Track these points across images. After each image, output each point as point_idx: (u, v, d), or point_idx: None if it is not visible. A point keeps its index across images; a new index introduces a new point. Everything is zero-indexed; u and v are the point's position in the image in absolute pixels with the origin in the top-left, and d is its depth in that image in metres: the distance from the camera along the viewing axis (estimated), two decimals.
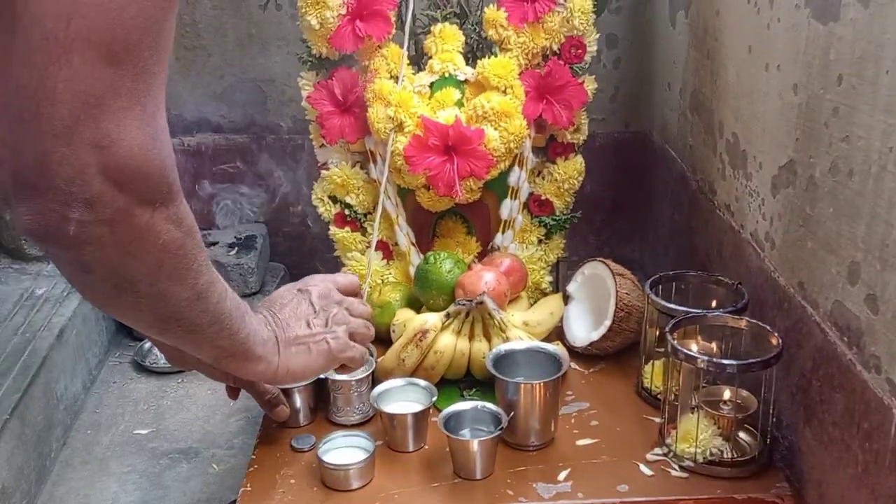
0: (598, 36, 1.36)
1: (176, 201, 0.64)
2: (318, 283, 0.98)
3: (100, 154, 0.56)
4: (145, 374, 1.77)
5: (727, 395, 1.10)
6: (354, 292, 1.02)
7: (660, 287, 1.22)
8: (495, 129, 1.31)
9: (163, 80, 0.60)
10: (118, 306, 0.69)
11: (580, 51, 1.35)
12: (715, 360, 1.04)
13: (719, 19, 1.33)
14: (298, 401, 1.18)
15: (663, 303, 1.17)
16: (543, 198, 1.44)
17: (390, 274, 1.45)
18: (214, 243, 1.92)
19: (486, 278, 1.28)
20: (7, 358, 1.50)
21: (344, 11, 1.31)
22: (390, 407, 1.15)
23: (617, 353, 1.32)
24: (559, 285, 1.49)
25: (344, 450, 1.10)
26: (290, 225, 2.02)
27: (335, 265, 1.49)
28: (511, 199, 1.41)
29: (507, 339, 1.22)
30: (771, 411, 1.06)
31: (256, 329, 0.84)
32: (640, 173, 1.90)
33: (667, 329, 1.09)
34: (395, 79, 1.34)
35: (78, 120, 0.55)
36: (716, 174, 1.37)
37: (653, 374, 1.22)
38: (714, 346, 1.15)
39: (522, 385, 1.11)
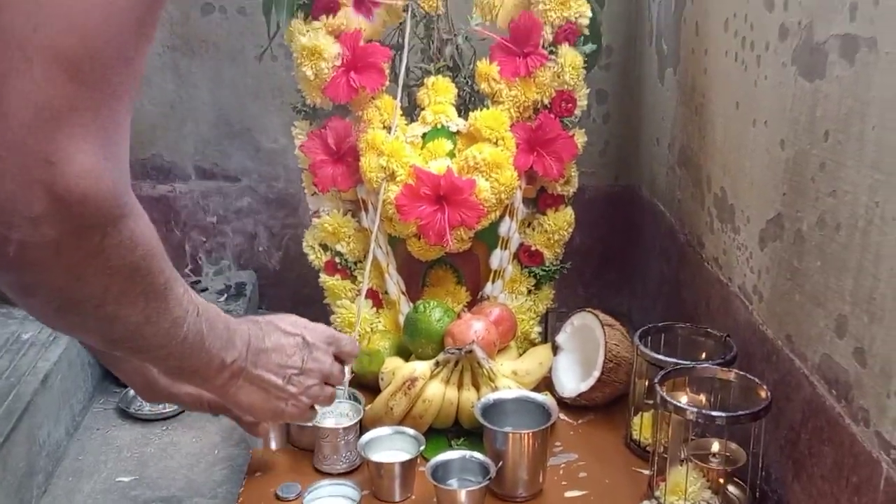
0: (588, 91, 1.39)
1: (129, 224, 0.59)
2: (323, 346, 0.93)
3: (48, 171, 0.52)
4: (129, 420, 1.75)
5: (716, 447, 1.10)
6: (348, 360, 0.98)
7: (649, 338, 1.22)
8: (486, 179, 1.32)
9: (128, 102, 0.57)
10: (63, 326, 0.67)
11: (570, 105, 1.37)
12: (704, 411, 1.04)
13: (707, 77, 1.36)
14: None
15: (652, 354, 1.17)
16: (533, 248, 1.44)
17: (380, 322, 1.45)
18: (204, 290, 1.92)
19: (475, 327, 1.28)
20: None
21: (339, 63, 1.34)
22: (377, 455, 1.14)
23: (606, 404, 1.32)
24: (548, 335, 1.50)
25: (330, 499, 1.09)
26: (279, 272, 2.03)
27: (325, 312, 1.49)
28: (501, 249, 1.42)
29: (495, 389, 1.22)
30: (760, 464, 1.05)
31: (216, 355, 0.79)
32: (629, 226, 1.92)
33: (656, 380, 1.09)
34: (388, 129, 1.36)
35: (29, 133, 0.52)
36: (704, 228, 1.38)
37: (641, 426, 1.21)
38: (703, 398, 1.15)
39: (511, 435, 1.11)
